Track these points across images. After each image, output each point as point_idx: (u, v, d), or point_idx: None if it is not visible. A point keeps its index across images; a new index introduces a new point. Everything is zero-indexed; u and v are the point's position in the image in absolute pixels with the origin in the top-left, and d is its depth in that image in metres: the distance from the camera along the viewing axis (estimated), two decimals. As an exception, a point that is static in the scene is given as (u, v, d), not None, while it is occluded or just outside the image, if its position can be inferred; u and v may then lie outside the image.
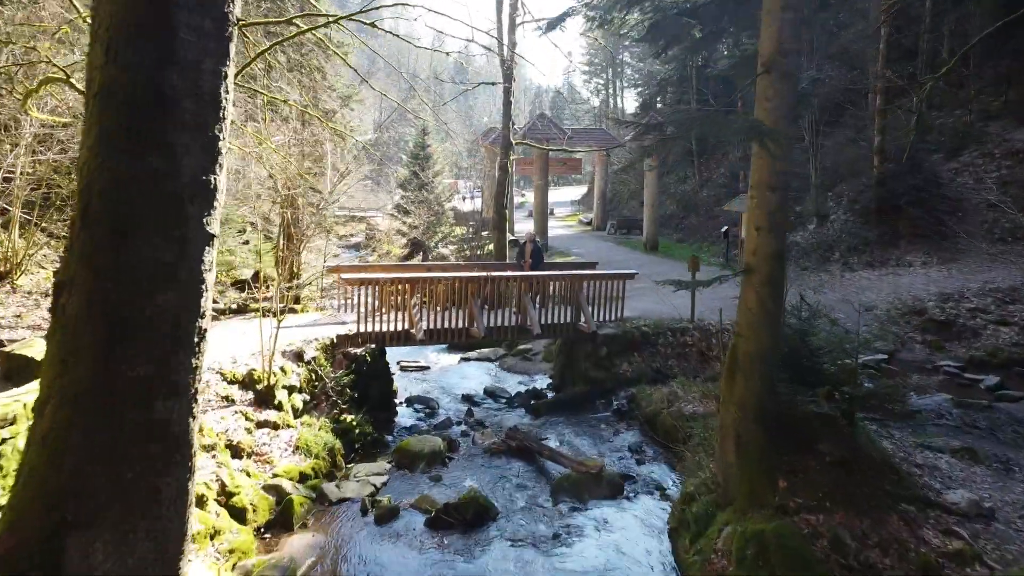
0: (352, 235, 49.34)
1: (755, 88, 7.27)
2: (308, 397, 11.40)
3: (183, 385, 3.90)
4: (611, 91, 67.86)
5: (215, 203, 4.01)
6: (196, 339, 3.95)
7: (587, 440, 11.96)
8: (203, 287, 3.98)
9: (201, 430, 9.04)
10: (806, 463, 7.43)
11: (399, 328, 12.94)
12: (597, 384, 13.75)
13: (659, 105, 52.95)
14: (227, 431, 9.46)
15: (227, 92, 4.00)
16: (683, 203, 38.51)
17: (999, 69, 25.03)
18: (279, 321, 10.68)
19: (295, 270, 17.88)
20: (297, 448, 10.23)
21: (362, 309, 12.68)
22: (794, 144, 29.44)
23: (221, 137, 3.98)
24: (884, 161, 22.65)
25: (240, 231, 21.53)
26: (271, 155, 17.46)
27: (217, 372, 10.37)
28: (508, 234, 29.98)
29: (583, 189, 66.06)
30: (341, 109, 30.26)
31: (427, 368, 16.85)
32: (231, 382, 10.39)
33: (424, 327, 13.06)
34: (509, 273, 14.09)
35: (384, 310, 12.79)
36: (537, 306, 14.19)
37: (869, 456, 7.76)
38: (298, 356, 11.62)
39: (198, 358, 4.01)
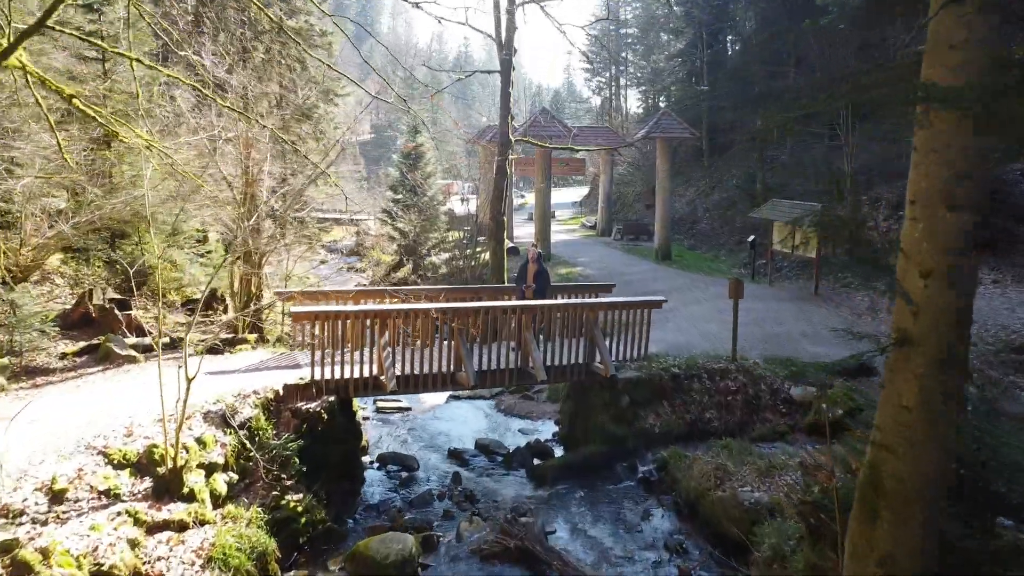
0: (339, 240, 46.32)
1: (930, 31, 4.20)
2: (237, 476, 8.36)
3: None
4: (613, 90, 64.72)
5: None
6: None
7: (607, 527, 8.93)
8: None
9: (46, 556, 6.02)
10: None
11: (365, 374, 9.93)
12: (617, 442, 10.72)
13: (662, 103, 49.92)
14: (96, 549, 6.42)
15: None
16: (693, 207, 35.48)
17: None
18: (189, 378, 7.61)
19: (254, 291, 14.81)
20: (210, 560, 7.19)
21: (317, 352, 9.66)
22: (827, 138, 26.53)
23: None
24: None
25: (199, 241, 18.51)
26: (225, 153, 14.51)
27: (98, 452, 7.33)
28: (508, 240, 26.95)
29: (584, 190, 62.91)
30: (325, 104, 27.23)
31: (408, 409, 13.80)
32: (119, 465, 7.34)
33: (397, 372, 10.05)
34: (507, 303, 11.03)
35: (346, 350, 9.78)
36: (542, 341, 11.18)
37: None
38: (226, 419, 8.58)
39: None
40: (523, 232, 33.59)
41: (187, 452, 7.73)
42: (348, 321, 9.86)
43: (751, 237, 20.14)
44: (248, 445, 8.54)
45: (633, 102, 66.78)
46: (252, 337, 12.95)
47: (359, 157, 75.99)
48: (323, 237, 48.17)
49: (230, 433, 8.50)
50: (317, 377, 9.69)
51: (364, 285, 30.59)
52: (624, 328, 11.38)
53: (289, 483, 8.65)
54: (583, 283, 19.12)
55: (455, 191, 48.16)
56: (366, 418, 12.85)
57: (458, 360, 10.41)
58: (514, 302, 11.11)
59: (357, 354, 9.89)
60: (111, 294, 13.88)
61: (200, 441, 8.05)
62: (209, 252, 17.24)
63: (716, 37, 39.46)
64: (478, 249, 22.68)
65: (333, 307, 10.07)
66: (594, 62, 67.99)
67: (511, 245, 26.80)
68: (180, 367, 7.61)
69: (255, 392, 9.20)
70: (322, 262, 38.01)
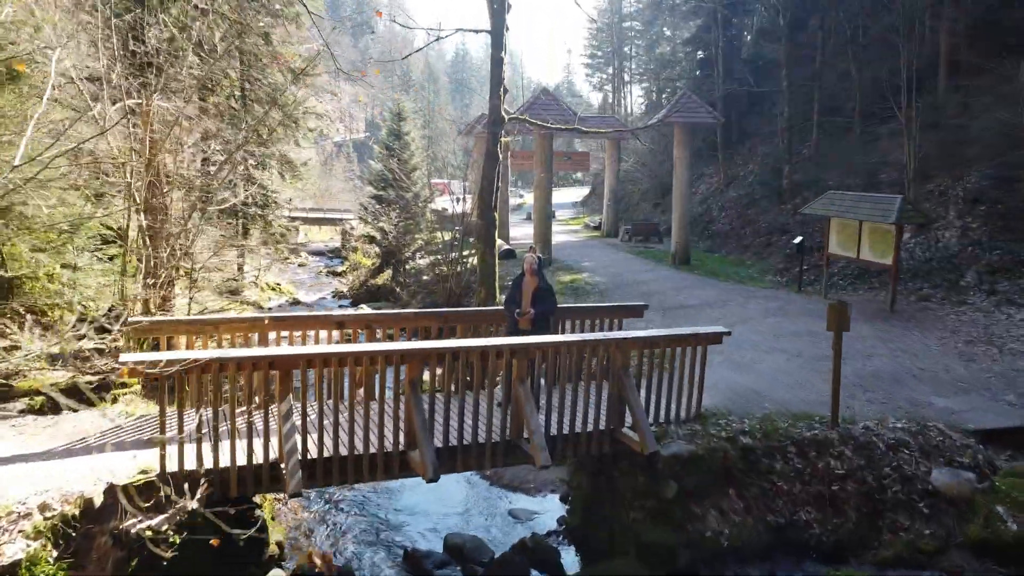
0: (326, 241, 42.22)
1: None
2: None
3: None
4: (616, 84, 60.60)
5: None
6: None
7: None
8: None
9: None
10: None
11: (259, 459, 5.91)
12: (661, 558, 6.65)
13: (665, 100, 45.87)
14: None
15: None
16: (707, 205, 31.42)
17: None
18: None
19: (151, 310, 10.70)
20: None
21: (173, 427, 5.61)
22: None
23: None
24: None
25: (110, 241, 14.42)
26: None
27: None
28: (503, 243, 22.88)
29: (584, 191, 58.92)
30: (294, 86, 23.06)
31: (357, 476, 9.70)
32: None
33: (309, 456, 6.02)
34: (489, 343, 6.86)
35: (235, 420, 5.77)
36: (544, 396, 7.14)
37: None
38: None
39: None
40: (520, 233, 29.51)
41: None
42: (230, 373, 5.81)
43: (798, 238, 16.05)
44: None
45: (635, 100, 62.77)
46: (132, 382, 8.85)
47: (352, 155, 72.10)
48: (311, 237, 44.09)
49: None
50: (173, 467, 5.66)
51: (343, 291, 26.61)
52: (667, 374, 7.34)
53: None
54: (600, 303, 15.01)
55: (452, 191, 43.94)
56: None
57: (410, 433, 6.36)
58: (501, 340, 6.99)
59: (258, 424, 5.85)
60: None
61: None
62: (109, 259, 13.12)
63: (730, 22, 35.37)
64: (465, 253, 18.63)
65: (200, 353, 5.97)
66: (595, 56, 63.99)
67: (506, 247, 22.69)
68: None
69: (43, 508, 5.13)
70: (300, 265, 34.00)
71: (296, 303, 23.98)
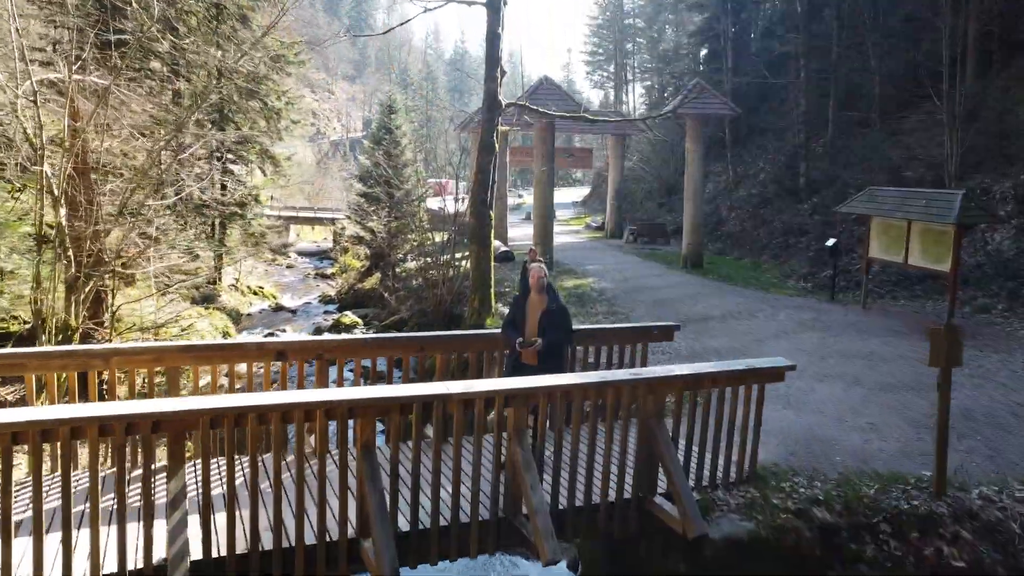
0: (318, 241, 40.27)
1: None
2: None
3: None
4: (617, 83, 58.62)
5: None
6: None
7: None
8: None
9: None
10: None
11: (133, 564, 3.97)
12: None
13: (668, 98, 43.87)
14: None
15: None
16: (715, 205, 29.48)
17: None
18: None
19: (76, 322, 8.76)
20: None
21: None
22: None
23: None
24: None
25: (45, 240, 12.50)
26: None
27: None
28: (500, 244, 20.96)
29: (585, 190, 57.01)
30: (277, 76, 21.14)
31: None
32: None
33: (216, 553, 4.10)
34: (479, 387, 4.90)
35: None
36: (549, 448, 5.22)
37: None
38: None
39: None
40: (519, 234, 27.60)
41: None
42: (77, 437, 3.89)
43: (831, 240, 14.11)
44: None
45: (637, 98, 60.78)
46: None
47: (348, 153, 70.10)
48: (303, 236, 42.02)
49: None
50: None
51: (331, 295, 24.67)
52: (712, 419, 5.44)
53: None
54: (609, 312, 13.13)
55: (449, 190, 41.93)
56: None
57: (364, 515, 4.44)
58: (491, 385, 5.01)
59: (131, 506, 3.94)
60: None
61: None
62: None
63: (739, 15, 33.43)
64: (459, 256, 16.71)
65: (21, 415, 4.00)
66: (596, 54, 62.09)
67: (504, 249, 20.76)
68: None
69: None
70: (288, 267, 32.05)
71: (279, 308, 22.04)
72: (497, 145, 12.93)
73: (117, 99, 9.82)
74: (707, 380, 5.39)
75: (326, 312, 21.33)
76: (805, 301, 14.04)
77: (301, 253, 35.90)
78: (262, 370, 5.67)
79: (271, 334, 18.05)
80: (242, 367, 5.83)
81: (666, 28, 54.72)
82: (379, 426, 5.10)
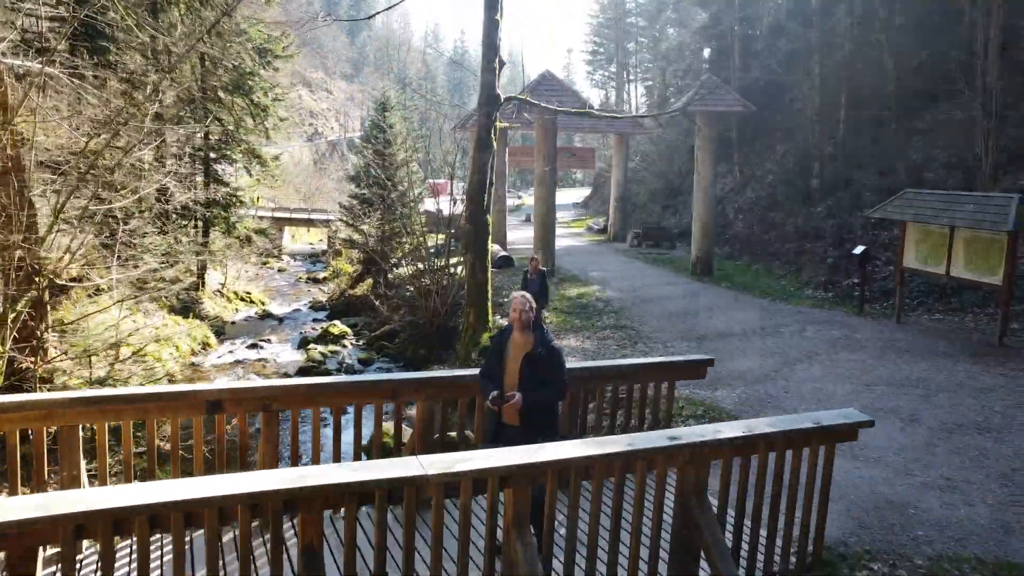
0: (314, 243, 38.96)
1: None
2: None
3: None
4: (618, 83, 57.32)
5: None
6: None
7: None
8: None
9: None
10: None
11: None
12: None
13: (672, 98, 42.58)
14: None
15: None
16: (721, 207, 28.20)
17: None
18: None
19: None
20: None
21: None
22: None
23: None
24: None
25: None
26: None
27: None
28: (499, 249, 19.69)
29: (585, 191, 55.77)
30: (260, 67, 19.85)
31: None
32: None
33: None
34: (471, 465, 3.60)
35: None
36: (562, 530, 3.94)
37: None
38: None
39: None
40: (519, 237, 26.36)
41: None
42: None
43: (860, 248, 12.82)
44: None
45: (639, 99, 59.49)
46: None
47: (347, 154, 68.80)
48: (298, 238, 40.71)
49: None
50: None
51: (322, 302, 23.37)
52: (768, 491, 4.18)
53: None
54: (616, 325, 11.82)
55: (447, 191, 40.55)
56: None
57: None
58: (484, 460, 3.71)
59: None
60: None
61: None
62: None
63: (745, 11, 32.17)
64: (454, 260, 15.46)
65: None
66: (597, 53, 60.84)
67: (502, 254, 19.49)
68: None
69: None
70: (280, 270, 30.76)
71: (266, 316, 20.74)
72: (495, 143, 11.66)
73: (70, 90, 8.58)
74: (762, 443, 4.12)
75: (315, 320, 20.06)
76: (830, 314, 12.77)
77: (295, 255, 34.63)
78: (192, 423, 4.40)
79: (254, 345, 16.79)
80: (165, 421, 4.58)
81: (668, 28, 53.48)
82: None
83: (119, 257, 12.82)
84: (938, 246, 10.78)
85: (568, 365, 4.88)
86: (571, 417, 5.27)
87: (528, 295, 4.21)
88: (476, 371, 4.74)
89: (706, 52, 39.66)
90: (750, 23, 32.74)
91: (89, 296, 11.81)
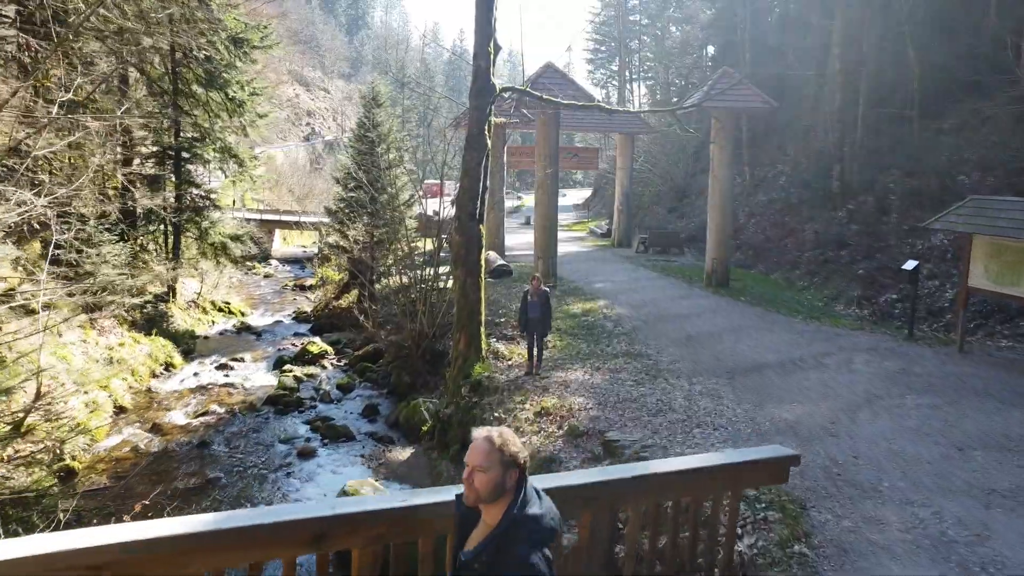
0: (306, 247, 37.11)
1: None
2: None
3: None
4: (620, 82, 55.45)
5: None
6: None
7: None
8: None
9: None
10: None
11: None
12: None
13: (672, 94, 40.77)
14: None
15: None
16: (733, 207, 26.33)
17: None
18: None
19: None
20: None
21: None
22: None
23: None
24: None
25: None
26: None
27: None
28: (495, 257, 17.87)
29: (585, 192, 53.98)
30: (236, 58, 18.00)
31: None
32: None
33: None
34: None
35: None
36: None
37: None
38: None
39: None
40: (518, 242, 24.53)
41: None
42: None
43: (912, 263, 10.99)
44: None
45: (641, 98, 57.63)
46: None
47: (344, 153, 67.01)
48: (289, 241, 38.86)
49: None
50: None
51: (306, 312, 21.56)
52: None
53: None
54: (629, 351, 9.65)
55: (445, 192, 38.55)
56: None
57: None
58: None
59: None
60: None
61: None
62: None
63: (755, 4, 30.34)
64: (444, 270, 13.64)
65: None
66: (598, 52, 58.99)
67: (500, 263, 17.66)
68: None
69: None
70: (266, 276, 28.93)
71: (244, 329, 18.91)
72: (490, 140, 9.84)
73: None
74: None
75: (296, 335, 18.22)
76: (876, 339, 10.95)
77: (284, 260, 32.82)
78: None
79: (223, 366, 14.96)
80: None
81: (670, 26, 51.66)
82: None
83: (59, 264, 11.04)
84: (1013, 264, 8.96)
85: (588, 478, 3.09)
86: (591, 549, 3.43)
87: (489, 443, 2.25)
88: (448, 492, 2.91)
89: (710, 49, 37.90)
90: (760, 16, 30.94)
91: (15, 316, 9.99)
